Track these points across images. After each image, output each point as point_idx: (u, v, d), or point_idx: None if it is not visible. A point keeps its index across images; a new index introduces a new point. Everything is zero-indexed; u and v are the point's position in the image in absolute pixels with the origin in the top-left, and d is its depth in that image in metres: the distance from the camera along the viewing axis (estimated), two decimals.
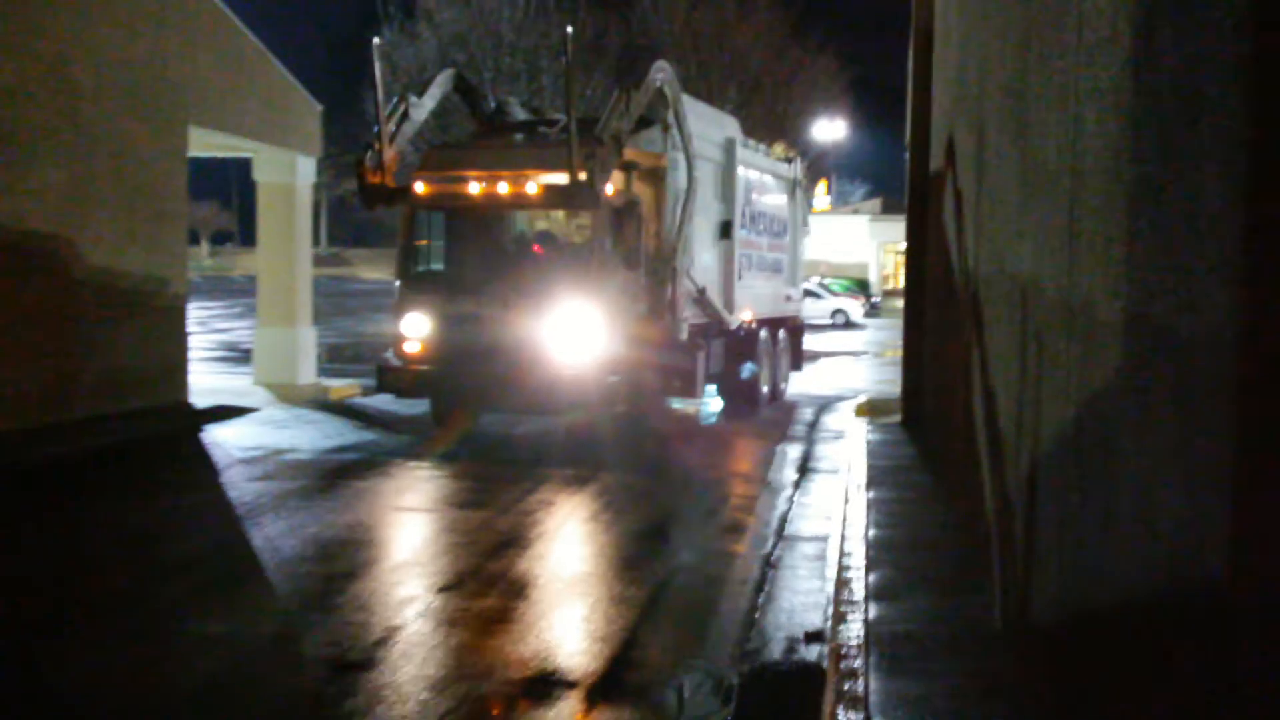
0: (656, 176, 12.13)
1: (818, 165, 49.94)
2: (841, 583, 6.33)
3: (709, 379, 13.15)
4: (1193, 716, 2.62)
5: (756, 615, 6.22)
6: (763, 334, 14.82)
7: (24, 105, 11.01)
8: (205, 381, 15.39)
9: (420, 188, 11.47)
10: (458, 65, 27.46)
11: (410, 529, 8.61)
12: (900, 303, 17.25)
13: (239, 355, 20.12)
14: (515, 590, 6.68)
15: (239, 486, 9.65)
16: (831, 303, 38.52)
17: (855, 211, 60.51)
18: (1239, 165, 2.29)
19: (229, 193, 67.40)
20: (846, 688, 4.63)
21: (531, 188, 10.94)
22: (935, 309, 10.42)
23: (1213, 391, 2.45)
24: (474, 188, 11.28)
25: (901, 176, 13.32)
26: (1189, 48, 2.64)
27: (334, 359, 19.60)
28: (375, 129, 11.53)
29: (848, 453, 11.04)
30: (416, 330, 11.52)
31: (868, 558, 6.76)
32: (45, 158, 11.29)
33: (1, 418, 10.58)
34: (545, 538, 8.07)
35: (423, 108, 12.06)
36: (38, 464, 10.18)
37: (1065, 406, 3.97)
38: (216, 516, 8.74)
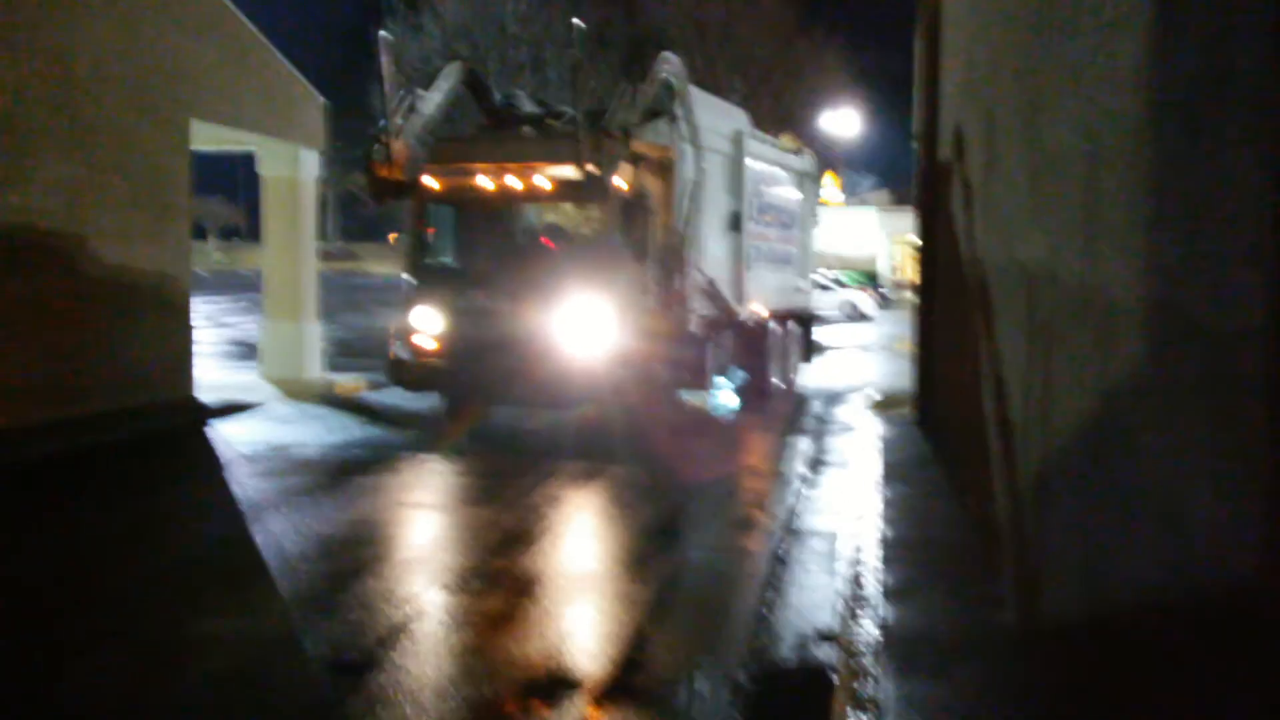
0: (665, 169, 12.00)
1: (826, 157, 49.76)
2: (853, 580, 6.22)
3: (719, 371, 13.05)
4: None
5: (766, 613, 6.12)
6: (773, 326, 14.70)
7: (24, 100, 10.92)
8: (212, 376, 15.33)
9: (429, 181, 11.38)
10: (461, 57, 27.36)
11: (417, 525, 8.53)
12: (910, 295, 17.11)
13: (246, 350, 20.06)
14: (522, 588, 6.59)
15: (244, 482, 9.58)
16: (842, 295, 38.31)
17: (863, 203, 60.16)
18: (1274, 144, 2.15)
19: (236, 187, 67.47)
20: (857, 689, 4.52)
21: (540, 181, 10.86)
22: (946, 300, 10.28)
23: (1244, 385, 2.32)
24: (483, 181, 11.21)
25: (909, 167, 13.14)
26: (1218, 18, 2.49)
27: (341, 353, 19.53)
28: (383, 122, 11.42)
29: (859, 447, 10.93)
30: (426, 324, 11.46)
31: (879, 555, 6.65)
32: (46, 152, 11.21)
33: (5, 414, 10.53)
34: (552, 533, 7.98)
35: (430, 100, 11.94)
36: (41, 460, 10.13)
37: (1081, 399, 3.84)
38: (221, 512, 8.67)
